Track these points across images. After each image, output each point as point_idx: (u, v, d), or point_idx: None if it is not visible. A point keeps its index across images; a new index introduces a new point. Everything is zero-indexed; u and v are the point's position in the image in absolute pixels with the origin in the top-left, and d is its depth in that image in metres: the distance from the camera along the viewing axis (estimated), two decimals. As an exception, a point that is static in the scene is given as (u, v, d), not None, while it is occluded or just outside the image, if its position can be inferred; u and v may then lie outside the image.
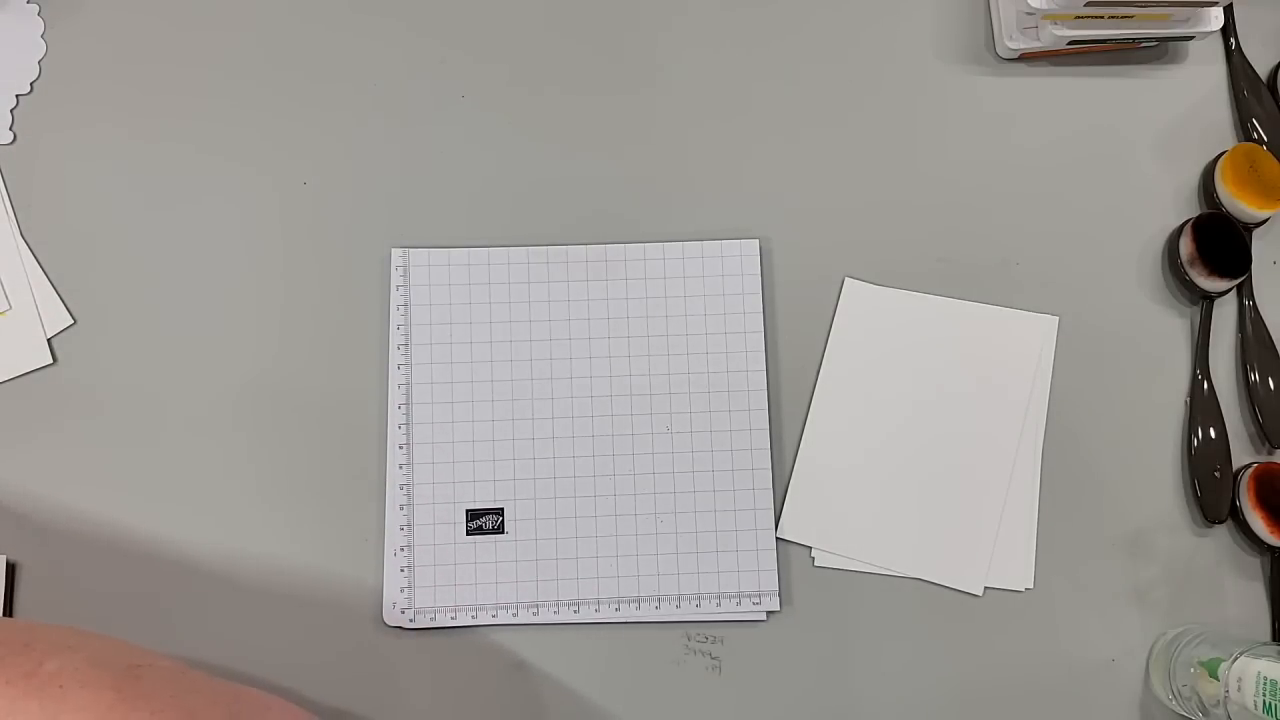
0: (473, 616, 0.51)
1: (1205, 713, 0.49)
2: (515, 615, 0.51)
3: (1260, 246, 0.57)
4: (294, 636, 0.51)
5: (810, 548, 0.53)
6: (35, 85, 0.56)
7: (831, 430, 0.54)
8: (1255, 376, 0.55)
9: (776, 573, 0.52)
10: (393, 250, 0.54)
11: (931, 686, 0.52)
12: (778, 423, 0.54)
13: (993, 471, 0.54)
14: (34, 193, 0.55)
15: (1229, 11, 0.59)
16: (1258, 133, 0.58)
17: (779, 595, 0.52)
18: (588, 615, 0.51)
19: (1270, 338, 0.56)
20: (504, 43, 0.57)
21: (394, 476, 0.52)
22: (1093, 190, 0.57)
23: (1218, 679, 0.48)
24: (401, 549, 0.52)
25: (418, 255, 0.54)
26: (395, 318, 0.54)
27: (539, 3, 0.58)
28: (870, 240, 0.56)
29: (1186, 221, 0.56)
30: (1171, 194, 0.58)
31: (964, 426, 0.54)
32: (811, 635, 0.52)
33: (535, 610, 0.51)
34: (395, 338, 0.54)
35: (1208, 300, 0.56)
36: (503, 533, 0.52)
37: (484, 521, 0.52)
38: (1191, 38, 0.57)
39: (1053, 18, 0.55)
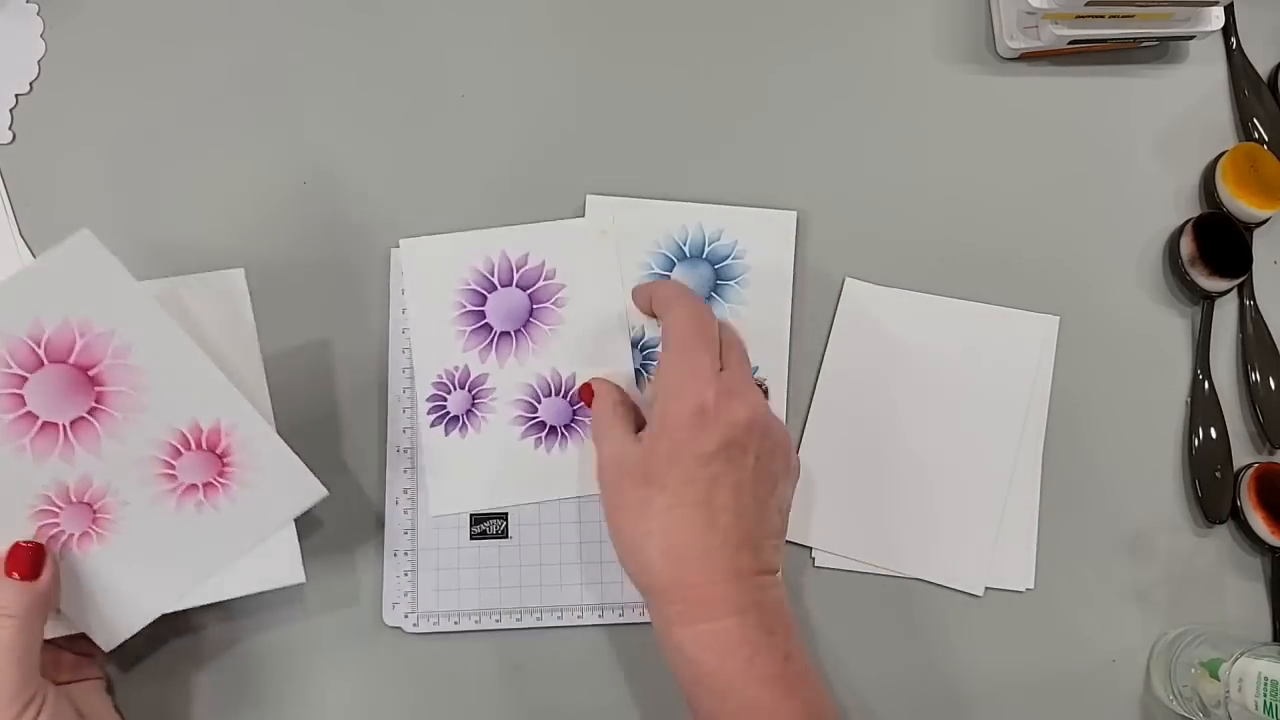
0: (475, 621, 0.51)
1: (1206, 713, 0.49)
2: (519, 620, 0.51)
3: (1261, 246, 0.57)
4: (294, 637, 0.51)
5: (810, 548, 0.53)
6: (35, 85, 0.56)
7: (831, 430, 0.54)
8: (1256, 376, 0.55)
9: (777, 573, 0.52)
10: (393, 250, 0.54)
11: (932, 686, 0.52)
12: (778, 423, 0.54)
13: (993, 471, 0.54)
14: (34, 193, 0.54)
15: (1229, 11, 0.59)
16: (1258, 132, 0.58)
17: (780, 596, 0.52)
18: (591, 619, 0.51)
19: (1271, 338, 0.56)
20: (504, 42, 0.57)
21: (397, 479, 0.52)
22: (1093, 190, 0.57)
23: (1218, 679, 0.48)
24: (405, 552, 0.51)
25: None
26: (397, 318, 0.54)
27: (539, 2, 0.58)
28: (870, 240, 0.56)
29: (1187, 221, 0.56)
30: (1172, 194, 0.58)
31: (964, 426, 0.54)
32: (811, 635, 0.52)
33: (539, 615, 0.51)
34: (398, 339, 0.53)
35: (1208, 300, 0.56)
36: (506, 537, 0.52)
37: (488, 526, 0.52)
38: (1192, 37, 0.57)
39: (1053, 17, 0.55)
